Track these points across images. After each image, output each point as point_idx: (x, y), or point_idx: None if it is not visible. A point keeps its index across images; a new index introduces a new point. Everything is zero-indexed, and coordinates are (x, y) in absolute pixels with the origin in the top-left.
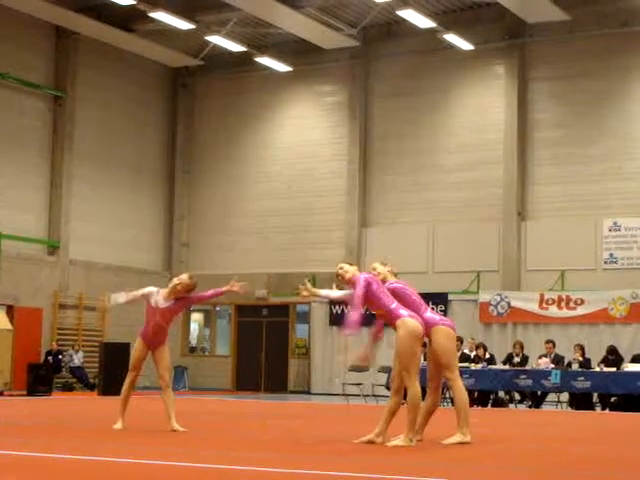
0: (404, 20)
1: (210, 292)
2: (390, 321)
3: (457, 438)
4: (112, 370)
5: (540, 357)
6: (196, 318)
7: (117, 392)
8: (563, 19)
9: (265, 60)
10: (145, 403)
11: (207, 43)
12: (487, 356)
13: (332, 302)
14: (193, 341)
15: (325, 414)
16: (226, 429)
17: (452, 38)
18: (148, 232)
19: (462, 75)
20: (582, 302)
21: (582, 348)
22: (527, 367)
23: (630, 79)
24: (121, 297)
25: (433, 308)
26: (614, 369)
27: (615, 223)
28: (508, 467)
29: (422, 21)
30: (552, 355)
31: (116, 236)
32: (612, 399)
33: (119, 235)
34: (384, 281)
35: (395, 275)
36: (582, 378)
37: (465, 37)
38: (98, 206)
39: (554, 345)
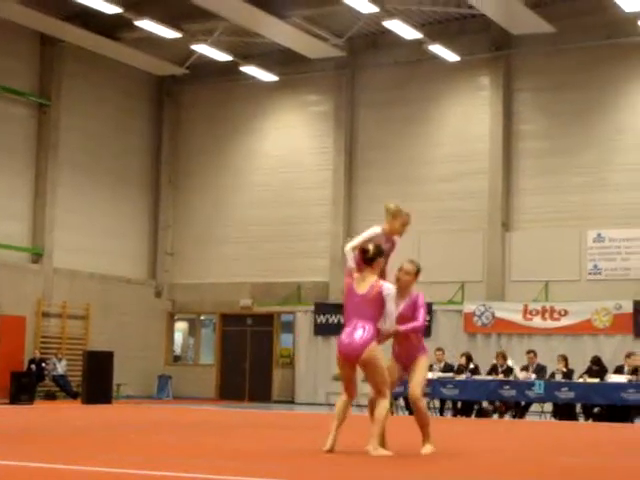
0: (390, 31)
1: None
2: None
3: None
4: (95, 379)
5: (522, 369)
6: (180, 327)
7: (100, 401)
8: (548, 31)
9: (251, 69)
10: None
11: (193, 52)
12: (471, 366)
13: (317, 312)
14: (177, 350)
15: (309, 424)
16: (209, 438)
17: (438, 49)
18: (133, 241)
19: (447, 86)
20: (566, 313)
21: (565, 359)
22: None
23: (614, 91)
24: None
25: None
26: (597, 380)
27: (599, 234)
28: (491, 477)
29: (408, 32)
30: (534, 365)
31: (100, 245)
32: (595, 410)
33: (103, 244)
34: None
35: None
36: (566, 389)
37: (450, 48)
38: (82, 214)
39: (535, 355)
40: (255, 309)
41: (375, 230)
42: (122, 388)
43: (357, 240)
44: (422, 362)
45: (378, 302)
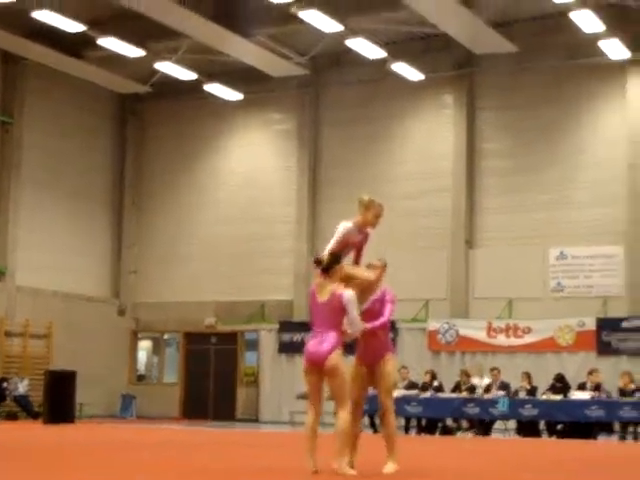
0: (353, 49)
1: None
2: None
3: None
4: (57, 398)
5: (486, 389)
6: (144, 346)
7: (62, 420)
8: (510, 50)
9: (215, 88)
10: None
11: (157, 70)
12: (435, 384)
13: (281, 330)
14: (141, 369)
15: (274, 442)
16: (175, 457)
17: (401, 67)
18: (96, 259)
19: (411, 104)
20: (529, 330)
21: (529, 376)
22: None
23: (576, 110)
24: None
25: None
26: (560, 397)
27: (562, 252)
28: None
29: (371, 50)
30: (498, 382)
31: (63, 263)
32: (559, 426)
33: (66, 262)
34: None
35: None
36: (529, 406)
37: (414, 67)
38: (45, 233)
39: (499, 372)
40: (219, 327)
41: (346, 225)
42: (85, 408)
43: (333, 241)
44: (389, 365)
45: (340, 309)
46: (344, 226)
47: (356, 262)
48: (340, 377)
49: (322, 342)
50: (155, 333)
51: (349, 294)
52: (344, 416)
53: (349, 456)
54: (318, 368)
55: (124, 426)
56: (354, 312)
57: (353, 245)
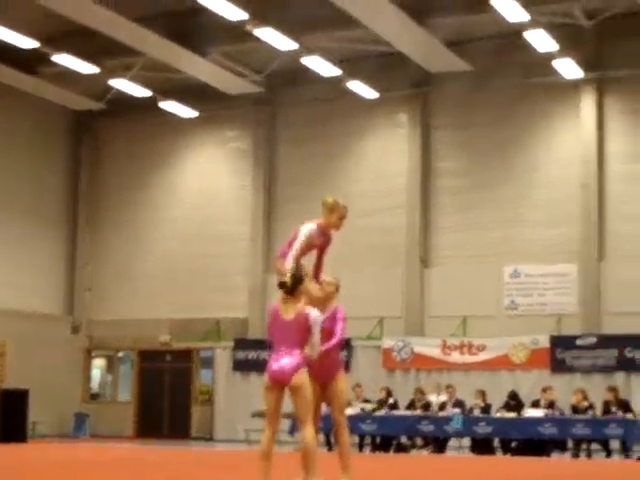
0: (309, 67)
1: None
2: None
3: None
4: (10, 417)
5: (441, 406)
6: (98, 364)
7: (14, 439)
8: (465, 69)
9: (170, 105)
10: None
11: (111, 87)
12: (390, 401)
13: (236, 348)
14: (95, 387)
15: (228, 461)
16: (126, 477)
17: (356, 86)
18: (50, 276)
19: (366, 122)
20: (483, 348)
21: (483, 393)
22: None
23: (530, 129)
24: None
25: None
26: (514, 414)
27: (516, 270)
28: None
29: (327, 69)
30: (453, 400)
31: (17, 281)
32: (513, 444)
33: (20, 280)
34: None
35: None
36: (483, 423)
37: (369, 85)
38: None
39: (454, 390)
40: (174, 345)
41: (310, 227)
42: (38, 427)
43: (297, 246)
44: (341, 383)
45: (305, 328)
46: (308, 228)
47: (318, 265)
48: (305, 395)
49: (285, 361)
50: (109, 351)
51: (316, 314)
52: (310, 434)
53: (304, 474)
54: (281, 386)
55: (77, 445)
56: (317, 334)
57: (315, 247)
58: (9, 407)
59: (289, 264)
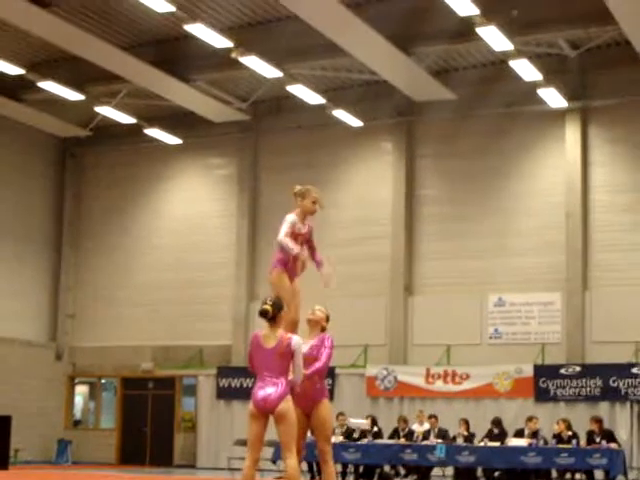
0: (294, 95)
1: None
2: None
3: None
4: None
5: (424, 436)
6: (81, 391)
7: None
8: (450, 98)
9: (155, 132)
10: None
11: (97, 114)
12: (375, 429)
13: (219, 375)
14: (78, 414)
15: None
16: None
17: (341, 114)
18: (33, 302)
19: (351, 150)
20: (467, 377)
21: (467, 422)
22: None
23: (515, 158)
24: None
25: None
26: (498, 444)
27: (500, 298)
28: None
29: (311, 97)
30: (436, 429)
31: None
32: (496, 473)
33: (2, 305)
34: None
35: None
36: (467, 452)
37: (354, 113)
38: None
39: (437, 419)
40: (157, 372)
41: (291, 218)
42: (20, 453)
43: (283, 231)
44: (325, 411)
45: (287, 355)
46: (290, 219)
47: (313, 256)
48: (290, 423)
49: (270, 389)
50: (92, 378)
51: (297, 340)
52: (293, 463)
53: None
54: (265, 414)
55: (59, 472)
56: (300, 359)
57: (301, 238)
58: None
59: (285, 240)
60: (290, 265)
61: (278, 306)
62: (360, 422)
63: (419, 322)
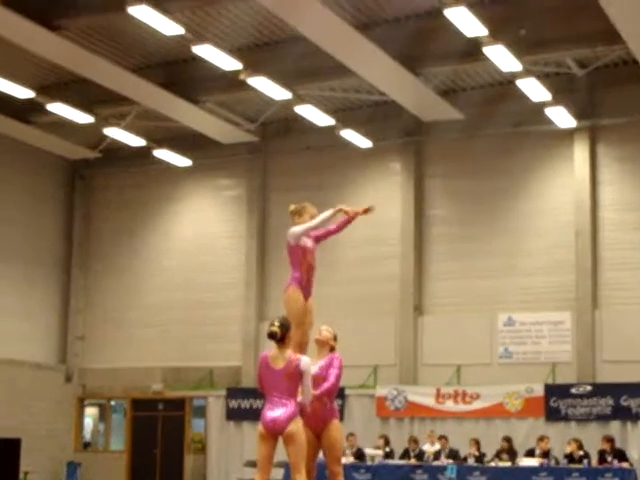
0: (302, 116)
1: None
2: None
3: None
4: (2, 467)
5: (435, 456)
6: (90, 412)
7: None
8: (458, 118)
9: (164, 153)
10: None
11: (106, 136)
12: (387, 450)
13: (229, 397)
14: (87, 436)
15: None
16: None
17: (350, 135)
18: (42, 324)
19: (360, 171)
20: (478, 396)
21: (477, 442)
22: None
23: (523, 177)
24: None
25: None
26: (509, 464)
27: (510, 318)
28: None
29: (320, 118)
30: (446, 450)
31: (9, 328)
32: None
33: (12, 327)
34: None
35: None
36: (478, 472)
37: (363, 134)
38: None
39: (447, 440)
40: (166, 394)
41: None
42: (29, 476)
43: (314, 223)
44: (335, 432)
45: (296, 376)
46: (306, 225)
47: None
48: (299, 444)
49: (279, 411)
50: (102, 399)
51: (306, 361)
52: None
53: None
54: (275, 435)
55: None
56: (309, 380)
57: (310, 253)
58: (1, 456)
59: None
60: (305, 284)
61: (286, 327)
62: (376, 453)
63: (429, 342)
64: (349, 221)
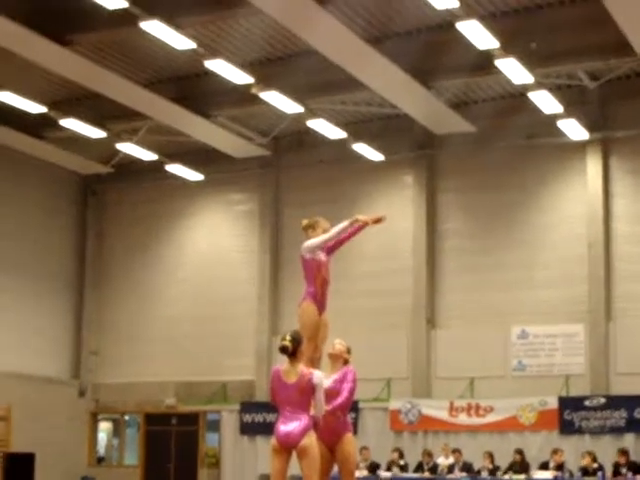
0: (314, 130)
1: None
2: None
3: None
4: None
5: (449, 469)
6: (104, 427)
7: None
8: (470, 131)
9: (176, 168)
10: None
11: (118, 151)
12: (401, 463)
13: (242, 411)
14: (101, 451)
15: None
16: None
17: (362, 148)
18: (56, 340)
19: (372, 184)
20: (491, 409)
21: (491, 455)
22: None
23: (535, 191)
24: None
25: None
26: (523, 477)
27: (523, 331)
28: None
29: (332, 131)
30: (460, 463)
31: (22, 344)
32: None
33: (26, 343)
34: None
35: None
36: None
37: (375, 147)
38: (4, 313)
39: (461, 454)
40: (180, 408)
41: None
42: None
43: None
44: (348, 446)
45: (308, 390)
46: (323, 238)
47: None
48: (313, 458)
49: (293, 425)
50: (115, 414)
51: (318, 375)
52: None
53: None
54: (288, 449)
55: None
56: (321, 394)
57: (325, 267)
58: (15, 471)
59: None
60: (319, 298)
61: (297, 341)
62: (385, 475)
63: (442, 355)
64: (360, 229)
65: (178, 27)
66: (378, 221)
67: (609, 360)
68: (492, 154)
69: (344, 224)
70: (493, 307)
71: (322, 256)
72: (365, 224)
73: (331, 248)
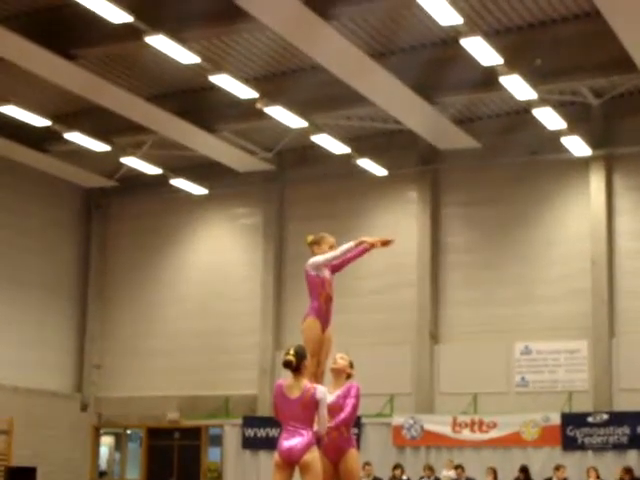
0: (319, 145)
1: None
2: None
3: None
4: None
5: None
6: (106, 441)
7: None
8: (474, 146)
9: (180, 182)
10: None
11: (122, 164)
12: (404, 478)
13: (245, 425)
14: (103, 465)
15: None
16: None
17: (366, 163)
18: (59, 353)
19: (376, 199)
20: (494, 425)
21: (494, 472)
22: None
23: (539, 206)
24: None
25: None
26: None
27: (526, 346)
28: None
29: (336, 146)
30: (463, 479)
31: (25, 357)
32: None
33: (28, 356)
34: None
35: None
36: None
37: (379, 162)
38: (7, 326)
39: (463, 470)
40: (182, 423)
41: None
42: None
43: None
44: (352, 462)
45: (312, 405)
46: (328, 255)
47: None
48: (315, 473)
49: (295, 440)
50: (117, 428)
51: (322, 390)
52: None
53: None
54: (291, 465)
55: None
56: (324, 409)
57: (329, 284)
58: None
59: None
60: (323, 314)
61: (301, 355)
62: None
63: (445, 370)
64: (366, 250)
65: (183, 42)
66: (386, 244)
67: (612, 376)
68: (496, 170)
69: (350, 244)
70: (496, 322)
71: (327, 274)
72: (372, 246)
73: (336, 267)
